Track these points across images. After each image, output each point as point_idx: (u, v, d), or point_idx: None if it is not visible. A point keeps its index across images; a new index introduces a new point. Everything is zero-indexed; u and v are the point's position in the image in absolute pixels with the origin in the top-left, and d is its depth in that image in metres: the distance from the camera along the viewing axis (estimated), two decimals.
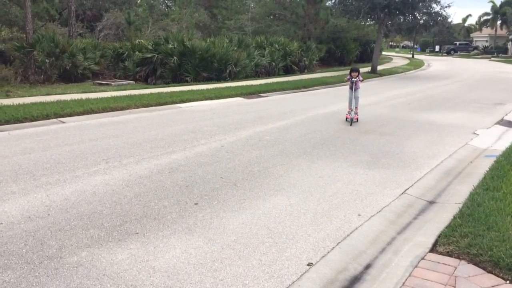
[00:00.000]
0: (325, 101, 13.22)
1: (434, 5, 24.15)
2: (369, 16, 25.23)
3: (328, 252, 3.58)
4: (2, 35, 17.47)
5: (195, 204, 4.56)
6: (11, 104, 9.75)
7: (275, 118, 9.88)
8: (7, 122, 8.17)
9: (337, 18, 29.22)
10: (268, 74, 21.79)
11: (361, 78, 9.53)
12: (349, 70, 9.79)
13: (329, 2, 27.96)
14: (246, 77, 19.61)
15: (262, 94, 14.51)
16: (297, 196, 4.88)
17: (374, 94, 15.65)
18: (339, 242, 3.76)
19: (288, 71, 23.54)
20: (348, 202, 4.74)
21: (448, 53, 61.95)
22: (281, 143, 7.39)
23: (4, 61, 15.97)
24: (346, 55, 32.29)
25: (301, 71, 24.32)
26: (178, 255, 3.46)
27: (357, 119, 9.46)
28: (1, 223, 3.91)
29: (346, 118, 9.46)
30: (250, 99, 13.53)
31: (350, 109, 9.39)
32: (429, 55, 58.77)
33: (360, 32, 33.02)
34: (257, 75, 20.97)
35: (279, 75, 22.24)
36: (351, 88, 9.49)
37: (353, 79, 9.36)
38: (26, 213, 4.16)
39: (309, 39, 27.49)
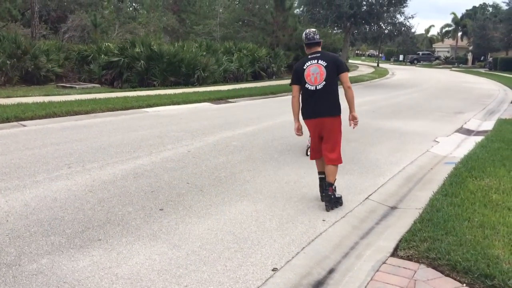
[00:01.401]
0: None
1: (398, 16, 24.96)
2: (336, 24, 25.79)
3: (293, 257, 3.62)
4: None
5: (160, 210, 4.52)
6: None
7: (242, 124, 9.90)
8: None
9: (305, 26, 29.63)
10: (237, 80, 21.85)
11: None
12: None
13: (297, 10, 28.39)
14: (214, 83, 19.60)
15: (230, 100, 14.52)
16: (263, 202, 4.90)
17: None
18: (303, 247, 3.80)
19: (256, 77, 23.67)
20: (313, 208, 4.80)
21: (412, 62, 63.87)
22: (248, 149, 7.41)
23: None
24: None
25: (270, 78, 24.52)
26: (142, 262, 3.41)
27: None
28: None
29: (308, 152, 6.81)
30: (218, 104, 13.52)
31: None
32: (394, 64, 60.41)
33: (327, 40, 33.58)
34: (225, 81, 20.99)
35: (247, 81, 22.33)
36: None
37: None
38: None
39: (278, 46, 27.79)
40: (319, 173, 5.11)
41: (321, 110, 4.89)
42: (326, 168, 4.84)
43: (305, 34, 4.93)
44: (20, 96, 12.22)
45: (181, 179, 5.57)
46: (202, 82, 18.79)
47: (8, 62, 15.39)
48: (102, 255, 3.49)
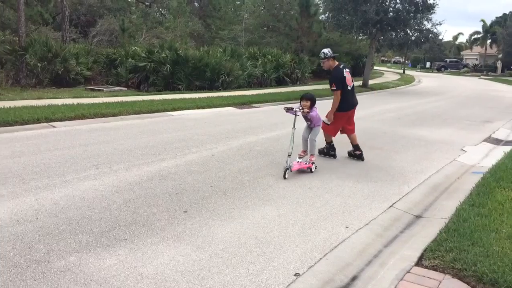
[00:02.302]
0: None
1: (425, 22, 24.55)
2: (362, 31, 25.57)
3: (315, 263, 3.62)
4: None
5: (184, 212, 4.58)
6: (2, 107, 9.70)
7: (266, 128, 9.94)
8: None
9: (330, 32, 29.63)
10: (261, 85, 21.93)
11: (313, 113, 6.35)
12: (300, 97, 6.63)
13: (323, 16, 28.32)
14: (239, 87, 19.71)
15: (254, 105, 14.58)
16: (286, 207, 4.91)
17: (364, 108, 15.80)
18: (326, 254, 3.80)
19: (280, 83, 23.70)
20: (336, 214, 4.78)
21: (439, 70, 62.85)
22: (272, 153, 7.43)
23: None
24: None
25: (294, 83, 24.51)
26: (166, 262, 3.47)
27: (310, 168, 6.35)
28: None
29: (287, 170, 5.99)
30: (242, 109, 13.59)
31: (302, 151, 6.65)
32: (420, 71, 59.54)
33: (352, 46, 33.44)
34: (249, 86, 21.09)
35: (271, 86, 22.38)
36: (306, 125, 6.69)
37: (298, 111, 6.08)
38: (14, 217, 4.14)
39: (302, 51, 27.78)
40: (331, 142, 7.49)
41: (354, 102, 7.45)
42: (352, 137, 7.43)
43: (329, 51, 7.04)
44: (50, 98, 12.56)
45: (205, 182, 5.63)
46: (226, 87, 18.92)
47: (39, 64, 15.84)
48: (128, 255, 3.56)
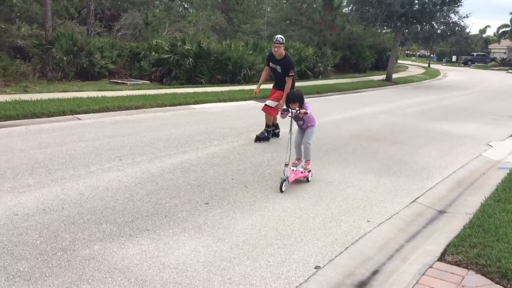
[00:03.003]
0: (338, 108, 13.22)
1: (452, 15, 24.02)
2: (386, 24, 25.19)
3: (336, 256, 3.61)
4: (21, 32, 17.76)
5: (205, 203, 4.62)
6: (29, 99, 9.93)
7: (287, 122, 9.88)
8: (25, 117, 8.33)
9: (354, 25, 29.24)
10: None
11: (308, 111, 5.32)
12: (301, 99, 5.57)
13: (346, 9, 28.00)
14: None
15: None
16: (307, 200, 4.90)
17: (388, 102, 15.60)
18: (347, 247, 3.78)
19: (302, 77, 23.56)
20: (358, 208, 4.75)
21: (465, 63, 61.40)
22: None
23: (23, 57, 16.25)
24: (362, 62, 32.21)
25: (316, 77, 24.34)
26: (187, 253, 3.51)
27: (307, 178, 5.56)
28: (17, 214, 4.01)
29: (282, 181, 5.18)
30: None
31: (297, 158, 5.76)
32: (446, 65, 58.33)
33: (376, 39, 32.97)
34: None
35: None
36: (297, 128, 5.85)
37: (290, 112, 5.25)
38: (41, 206, 4.25)
39: (325, 45, 27.53)
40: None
41: None
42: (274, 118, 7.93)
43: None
44: (76, 91, 12.80)
45: (226, 174, 5.67)
46: (248, 81, 18.92)
47: (65, 58, 16.14)
48: (150, 245, 3.61)
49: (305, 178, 5.57)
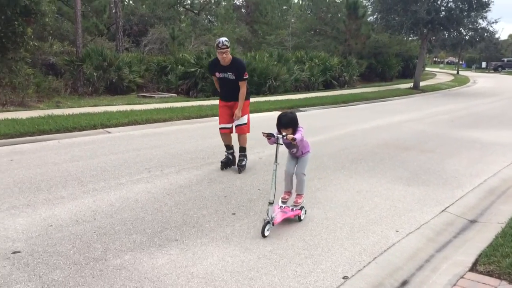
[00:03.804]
0: (364, 117, 13.12)
1: (480, 21, 23.55)
2: (412, 31, 24.93)
3: (364, 266, 3.58)
4: (54, 49, 18.39)
5: (232, 214, 4.66)
6: (61, 114, 10.26)
7: (313, 132, 9.90)
8: (58, 131, 8.60)
9: (379, 34, 29.02)
10: (308, 89, 21.87)
11: (298, 135, 4.29)
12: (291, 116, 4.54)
13: (371, 17, 27.81)
14: (285, 92, 19.76)
15: (301, 109, 14.56)
16: (334, 210, 4.89)
17: (415, 110, 15.39)
18: (375, 257, 3.75)
19: (327, 86, 23.52)
20: (386, 218, 4.70)
21: (496, 69, 59.93)
22: (319, 157, 7.40)
23: (55, 74, 16.81)
24: (388, 70, 31.93)
25: (341, 86, 24.24)
26: (215, 263, 3.55)
27: (299, 216, 4.53)
28: (51, 226, 4.15)
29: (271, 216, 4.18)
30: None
31: (286, 192, 4.77)
32: (475, 72, 57.08)
33: (402, 47, 32.62)
34: (296, 90, 21.09)
35: (318, 90, 22.26)
36: (289, 155, 4.82)
37: (280, 138, 4.26)
38: (74, 217, 4.39)
39: (350, 54, 27.43)
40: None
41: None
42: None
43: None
44: (105, 105, 13.14)
45: (252, 185, 5.71)
46: (273, 91, 19.02)
47: (95, 73, 16.62)
48: (179, 255, 3.67)
49: (297, 217, 4.51)
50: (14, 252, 3.58)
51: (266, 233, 4.10)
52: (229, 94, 6.46)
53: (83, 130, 8.94)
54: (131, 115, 10.56)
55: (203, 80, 18.35)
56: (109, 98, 15.86)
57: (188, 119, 11.13)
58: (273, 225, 4.16)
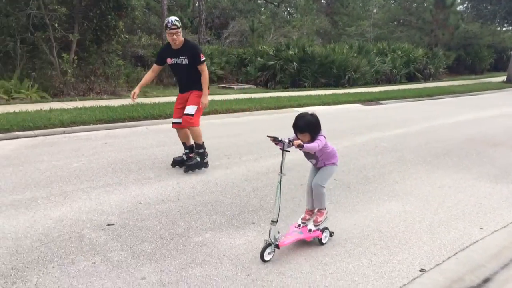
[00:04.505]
0: (450, 111, 12.47)
1: None
2: (506, 21, 23.11)
3: (443, 261, 3.48)
4: (142, 42, 19.49)
5: None
6: (149, 103, 10.91)
7: (393, 125, 9.63)
8: (145, 118, 9.18)
9: (469, 24, 27.28)
10: (389, 82, 21.18)
11: (316, 144, 3.60)
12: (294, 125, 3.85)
13: (460, 6, 26.22)
14: (365, 84, 19.31)
15: (381, 101, 14.18)
16: (413, 204, 4.77)
17: (508, 105, 14.34)
18: (456, 253, 3.62)
19: (411, 79, 22.61)
20: (469, 215, 4.50)
21: None
22: (399, 150, 7.21)
23: (143, 65, 17.81)
24: (478, 63, 29.89)
25: (426, 79, 23.17)
26: (290, 246, 3.64)
27: (320, 239, 3.71)
28: (140, 203, 4.49)
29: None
30: (368, 106, 13.32)
31: (307, 211, 3.93)
32: None
33: (495, 38, 30.32)
34: (377, 82, 20.51)
35: (400, 82, 21.47)
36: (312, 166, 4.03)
37: (287, 145, 3.55)
38: (160, 196, 4.71)
39: (436, 45, 26.07)
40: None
41: None
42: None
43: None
44: None
45: None
46: (352, 84, 18.68)
47: None
48: (256, 237, 3.82)
49: (317, 240, 3.71)
50: (109, 224, 3.94)
51: (267, 257, 3.37)
52: (182, 83, 5.78)
53: (169, 118, 9.42)
54: (211, 105, 10.93)
55: (281, 72, 18.49)
56: None
57: (266, 109, 11.32)
58: (277, 247, 3.42)
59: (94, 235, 3.73)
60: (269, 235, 3.41)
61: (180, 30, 5.43)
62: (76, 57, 12.51)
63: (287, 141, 3.47)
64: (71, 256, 3.35)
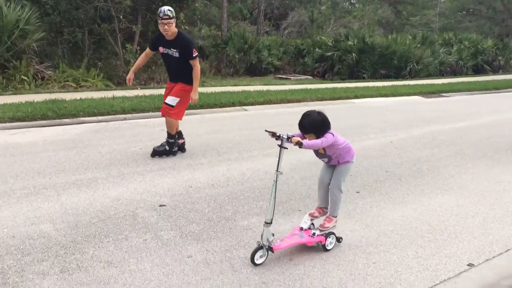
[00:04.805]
0: None
1: None
2: None
3: (494, 256, 3.36)
4: (202, 33, 19.94)
5: (356, 192, 4.70)
6: (205, 92, 11.18)
7: (454, 118, 9.24)
8: (201, 107, 9.42)
9: None
10: (454, 73, 20.26)
11: (308, 143, 3.36)
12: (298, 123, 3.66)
13: None
14: (428, 76, 18.60)
15: (443, 94, 13.62)
16: (467, 198, 4.60)
17: None
18: (508, 249, 3.47)
19: (478, 71, 21.47)
20: None
21: None
22: (457, 144, 6.94)
23: (202, 56, 18.23)
24: None
25: (495, 72, 21.92)
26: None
27: (324, 245, 3.39)
28: (191, 187, 4.68)
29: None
30: (429, 98, 12.85)
31: (319, 208, 3.64)
32: None
33: None
34: (441, 74, 19.69)
35: (467, 74, 20.47)
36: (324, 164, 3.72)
37: (285, 141, 3.35)
38: (210, 181, 4.87)
39: (507, 36, 24.52)
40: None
41: None
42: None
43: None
44: (244, 85, 13.92)
45: (380, 167, 5.63)
46: (414, 75, 18.05)
47: (236, 56, 17.64)
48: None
49: (320, 245, 3.39)
50: (161, 205, 4.15)
51: (259, 261, 3.13)
52: (172, 73, 5.78)
53: (223, 107, 9.66)
54: (266, 95, 11.05)
55: (340, 63, 18.24)
56: (248, 79, 16.73)
57: (321, 100, 11.24)
58: (272, 251, 3.17)
59: (147, 214, 3.94)
60: (261, 237, 3.16)
61: (172, 20, 5.33)
62: (138, 48, 13.06)
63: (286, 137, 3.25)
64: (124, 233, 3.57)
